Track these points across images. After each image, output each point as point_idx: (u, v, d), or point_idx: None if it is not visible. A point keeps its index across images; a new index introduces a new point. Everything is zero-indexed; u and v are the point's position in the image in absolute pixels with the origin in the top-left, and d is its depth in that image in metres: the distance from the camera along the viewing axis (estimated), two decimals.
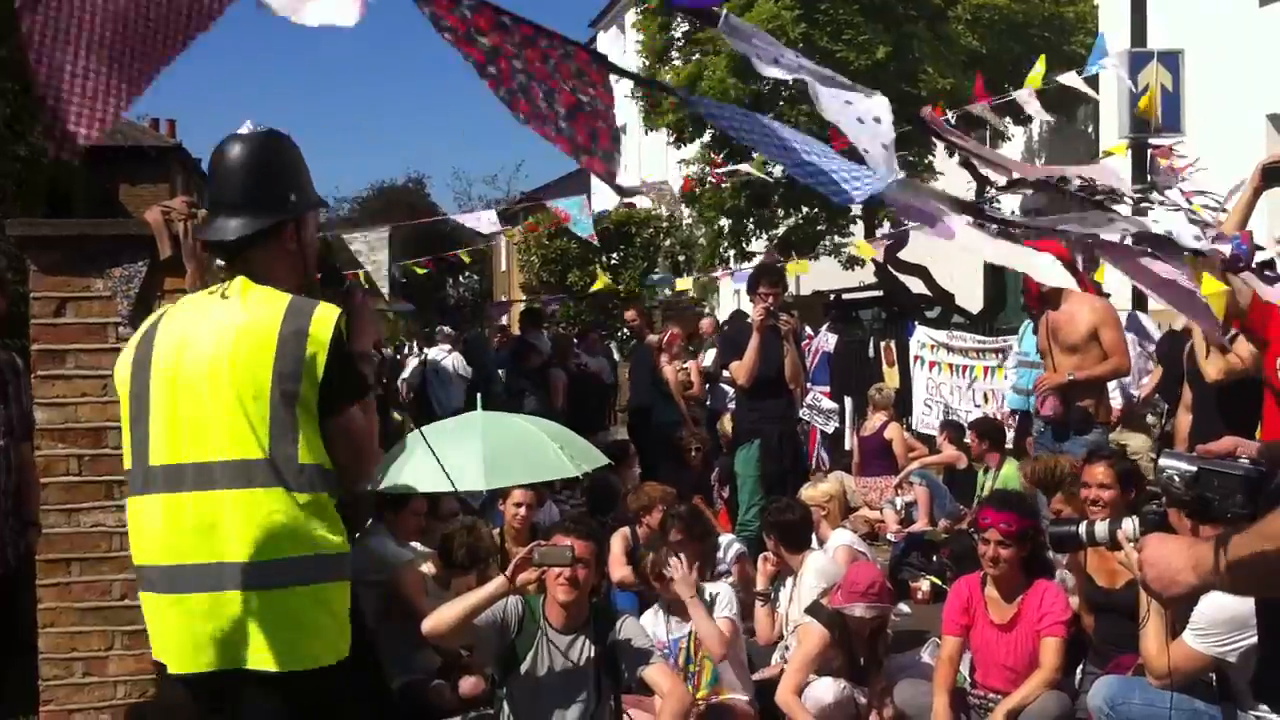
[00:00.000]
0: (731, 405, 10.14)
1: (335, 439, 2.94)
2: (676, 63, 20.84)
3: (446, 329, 15.39)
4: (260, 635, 2.85)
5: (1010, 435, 10.25)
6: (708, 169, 20.20)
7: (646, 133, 24.79)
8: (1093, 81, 10.65)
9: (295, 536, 2.87)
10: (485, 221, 10.21)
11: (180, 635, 2.90)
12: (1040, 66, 9.21)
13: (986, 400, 12.19)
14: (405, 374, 16.10)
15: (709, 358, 12.84)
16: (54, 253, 4.82)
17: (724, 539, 7.02)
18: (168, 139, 28.67)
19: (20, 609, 4.72)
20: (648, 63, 21.57)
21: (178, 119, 40.15)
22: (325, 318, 2.91)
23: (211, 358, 2.90)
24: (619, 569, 6.78)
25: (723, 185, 17.99)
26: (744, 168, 11.91)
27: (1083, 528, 4.26)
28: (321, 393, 2.90)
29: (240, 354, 2.88)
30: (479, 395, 7.19)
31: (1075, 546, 4.49)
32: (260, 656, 2.85)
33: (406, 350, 18.26)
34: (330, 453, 2.95)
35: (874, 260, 19.02)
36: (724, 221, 20.84)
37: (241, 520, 2.86)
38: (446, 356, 14.79)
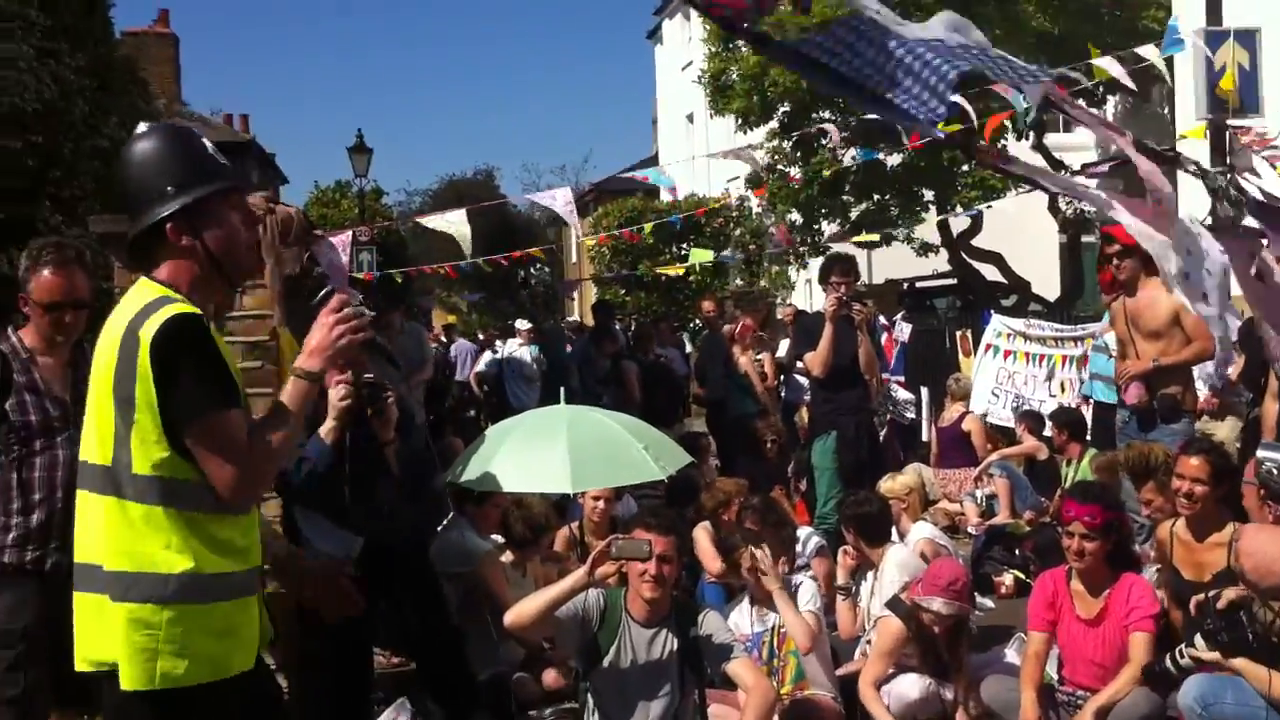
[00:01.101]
0: (808, 397, 10.06)
1: (195, 448, 2.78)
2: (743, 50, 20.72)
3: (523, 323, 15.45)
4: (89, 639, 2.86)
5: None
6: (776, 156, 20.11)
7: (712, 117, 24.72)
8: (1167, 63, 10.46)
9: (120, 549, 2.80)
10: (560, 200, 10.31)
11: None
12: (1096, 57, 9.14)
13: (1064, 390, 12.01)
14: (480, 367, 16.21)
15: (783, 348, 12.77)
16: None
17: (803, 532, 6.97)
18: (242, 135, 29.12)
19: None
20: (712, 50, 21.48)
21: (251, 114, 40.92)
22: (158, 317, 2.76)
23: (98, 360, 2.88)
24: (712, 562, 6.74)
25: (792, 183, 17.84)
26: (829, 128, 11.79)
27: (1168, 662, 4.71)
28: (160, 398, 2.75)
29: (102, 356, 2.86)
30: (562, 389, 7.13)
31: (1171, 681, 4.66)
32: (85, 660, 2.88)
33: (482, 339, 18.34)
34: (200, 464, 2.81)
35: (947, 246, 18.87)
36: (795, 216, 20.71)
37: (85, 523, 2.89)
38: (521, 350, 14.84)
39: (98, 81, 12.03)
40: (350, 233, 9.54)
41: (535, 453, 6.02)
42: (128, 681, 2.78)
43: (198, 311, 2.84)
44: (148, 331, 2.74)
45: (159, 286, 2.88)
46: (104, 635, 2.82)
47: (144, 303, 2.82)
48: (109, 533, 2.82)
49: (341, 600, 4.42)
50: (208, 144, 3.00)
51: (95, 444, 2.87)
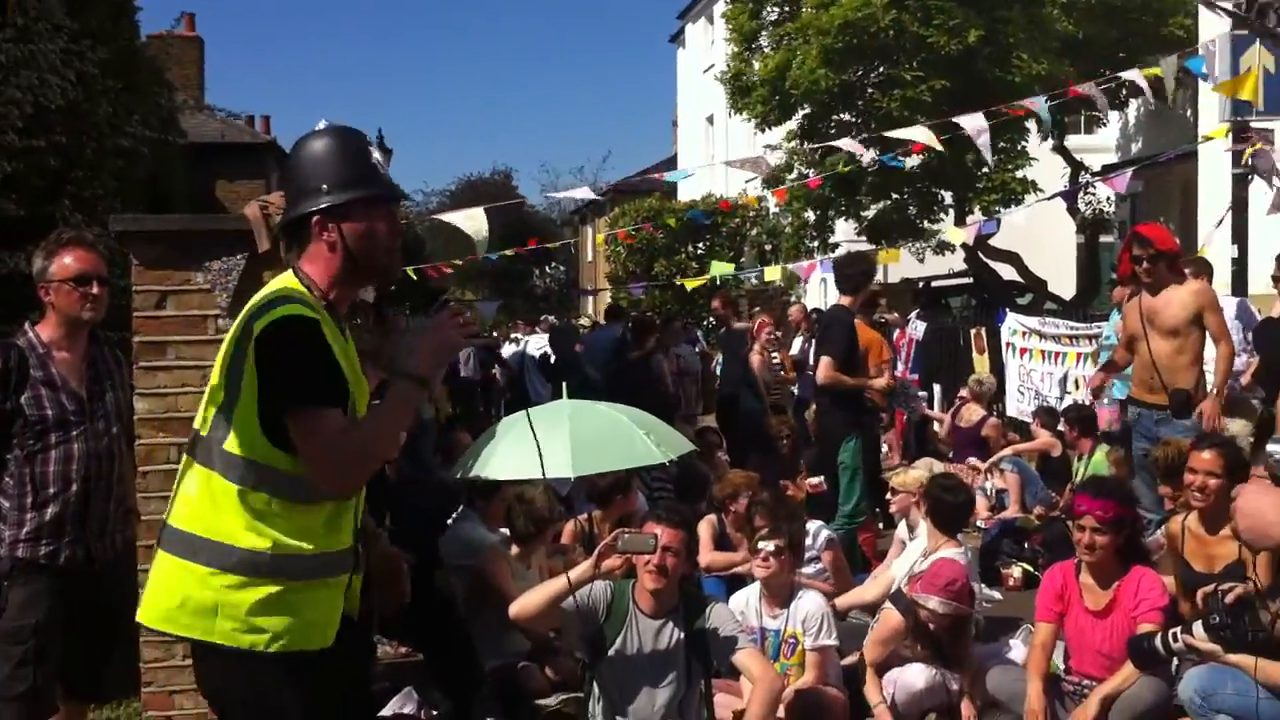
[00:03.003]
0: None
1: (296, 438, 2.89)
2: (767, 51, 20.73)
3: (551, 318, 15.52)
4: (150, 592, 3.03)
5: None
6: (795, 157, 20.09)
7: (730, 116, 24.72)
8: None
9: (199, 515, 2.95)
10: (584, 195, 10.63)
11: None
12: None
13: (1077, 387, 12.02)
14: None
15: (796, 346, 12.79)
16: (155, 247, 4.94)
17: (812, 526, 6.97)
18: (263, 136, 29.18)
19: (130, 596, 4.87)
20: (734, 50, 21.49)
21: (272, 115, 41.15)
22: (271, 315, 2.90)
23: (226, 340, 3.05)
24: (706, 555, 6.79)
25: (813, 186, 17.78)
26: (843, 143, 11.78)
27: (1158, 641, 4.64)
28: (260, 389, 2.90)
29: (228, 337, 3.03)
30: (564, 384, 7.20)
31: (1157, 660, 4.66)
32: (144, 612, 3.04)
33: (497, 337, 18.39)
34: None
35: (964, 246, 18.84)
36: (810, 214, 20.69)
37: (181, 485, 3.04)
38: (546, 346, 14.88)
39: (122, 82, 12.11)
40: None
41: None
42: (190, 631, 2.95)
43: (310, 314, 2.94)
44: (259, 325, 2.89)
45: (292, 280, 3.04)
46: (171, 591, 2.97)
47: (268, 298, 2.97)
48: (190, 496, 2.98)
49: (399, 587, 4.35)
50: (373, 153, 3.16)
51: (203, 414, 3.02)
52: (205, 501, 2.95)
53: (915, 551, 6.39)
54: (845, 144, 11.91)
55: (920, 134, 10.77)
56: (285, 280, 3.06)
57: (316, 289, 3.03)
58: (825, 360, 8.05)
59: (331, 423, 2.89)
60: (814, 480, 7.57)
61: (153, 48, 17.60)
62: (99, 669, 4.74)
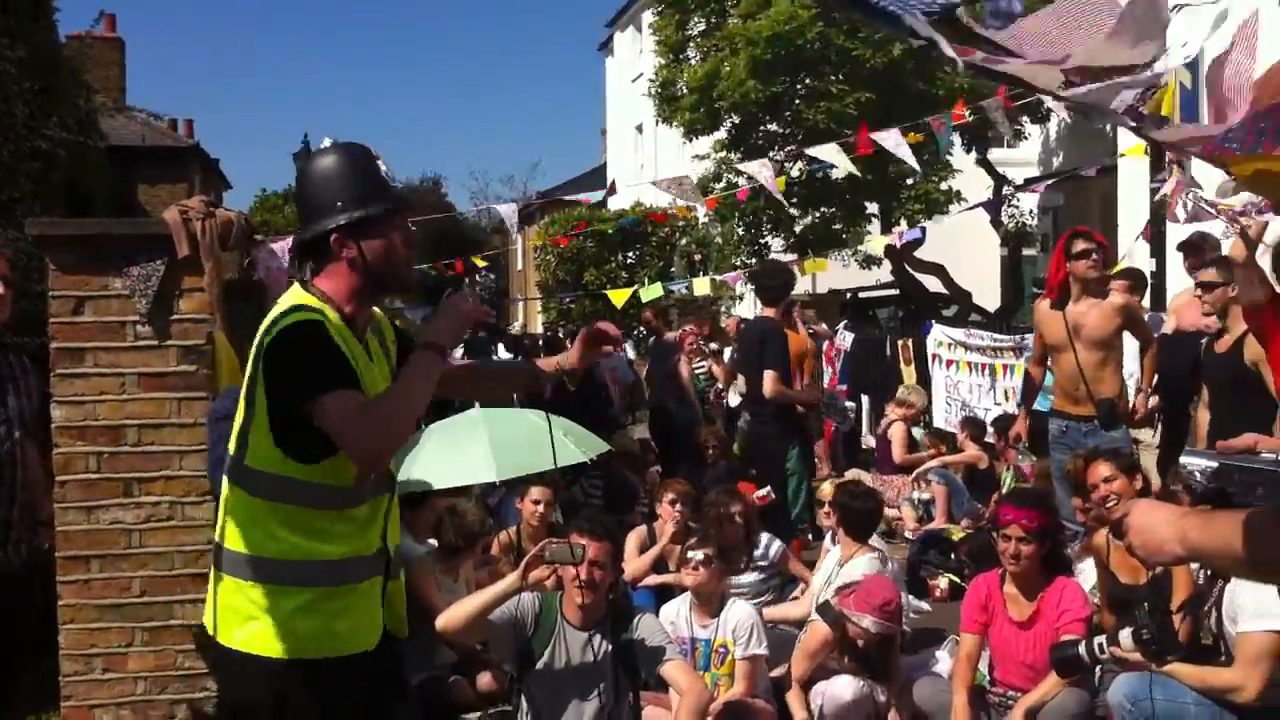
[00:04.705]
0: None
1: (322, 426, 2.93)
2: (694, 61, 20.79)
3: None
4: (208, 603, 3.15)
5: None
6: (723, 167, 20.17)
7: (657, 124, 24.77)
8: None
9: (233, 531, 3.06)
10: (507, 212, 10.61)
11: None
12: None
13: (1007, 398, 12.15)
14: None
15: (727, 355, 12.83)
16: (73, 251, 4.85)
17: (764, 537, 6.97)
18: (185, 139, 28.76)
19: (34, 607, 4.74)
20: (664, 61, 21.54)
21: (195, 119, 40.65)
22: (276, 326, 2.99)
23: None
24: (630, 564, 6.77)
25: (744, 197, 17.88)
26: (761, 172, 11.81)
27: (1082, 648, 4.61)
28: (274, 397, 2.97)
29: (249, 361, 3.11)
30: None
31: (1080, 668, 4.69)
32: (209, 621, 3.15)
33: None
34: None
35: (888, 255, 19.00)
36: (740, 229, 20.76)
37: (223, 504, 3.14)
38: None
39: (40, 83, 11.87)
40: (292, 239, 9.51)
41: (458, 449, 6.13)
42: (221, 636, 3.07)
43: (317, 317, 3.00)
44: (267, 340, 2.98)
45: (303, 294, 3.09)
46: (220, 604, 3.09)
47: (279, 312, 3.05)
48: (229, 516, 3.08)
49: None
50: (381, 166, 3.22)
51: (233, 438, 3.11)
52: (238, 517, 3.05)
53: (830, 561, 6.44)
54: (757, 166, 11.88)
55: (831, 153, 10.78)
56: (293, 296, 3.12)
57: (333, 304, 3.09)
58: (771, 374, 7.99)
59: (348, 401, 2.91)
60: (762, 492, 7.55)
61: (71, 48, 17.28)
62: (10, 680, 4.62)
